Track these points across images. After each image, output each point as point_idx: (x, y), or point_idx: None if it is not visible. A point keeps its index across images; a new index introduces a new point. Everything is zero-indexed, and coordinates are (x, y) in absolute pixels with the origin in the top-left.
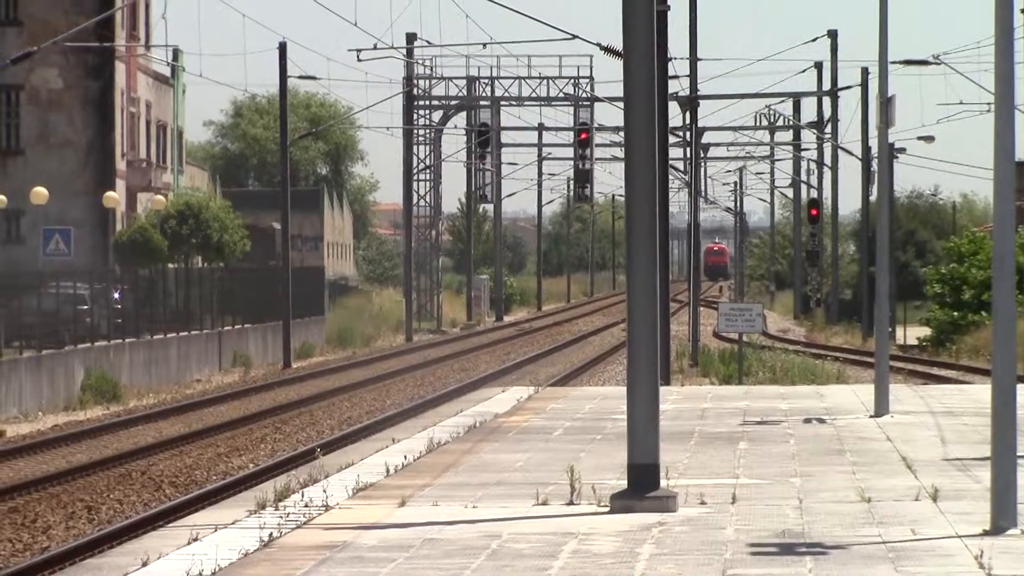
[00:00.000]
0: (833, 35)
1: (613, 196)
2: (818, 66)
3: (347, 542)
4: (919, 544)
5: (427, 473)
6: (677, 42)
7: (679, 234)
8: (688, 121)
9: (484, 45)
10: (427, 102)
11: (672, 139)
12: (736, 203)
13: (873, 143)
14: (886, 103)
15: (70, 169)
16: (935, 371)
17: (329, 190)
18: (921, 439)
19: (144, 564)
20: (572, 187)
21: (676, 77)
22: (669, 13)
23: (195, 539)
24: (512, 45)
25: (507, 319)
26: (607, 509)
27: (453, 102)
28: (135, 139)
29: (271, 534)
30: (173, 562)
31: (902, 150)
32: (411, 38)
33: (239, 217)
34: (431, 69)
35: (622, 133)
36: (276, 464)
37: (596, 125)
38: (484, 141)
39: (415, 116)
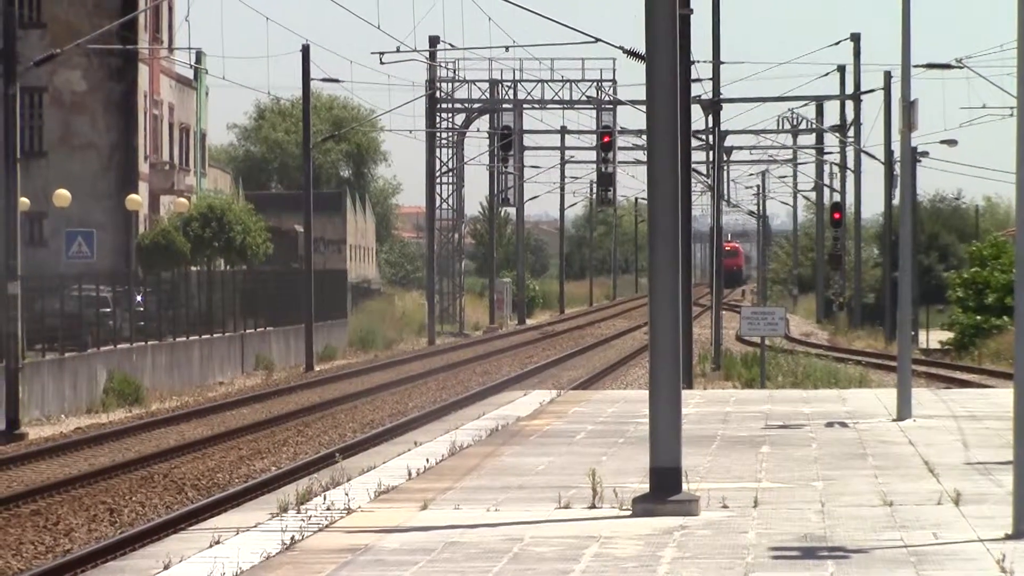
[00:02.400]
0: (856, 39)
1: (636, 199)
2: (841, 70)
3: (369, 545)
4: (941, 548)
5: (449, 476)
6: (700, 46)
7: (702, 237)
8: (711, 124)
9: (507, 48)
10: (450, 105)
11: (695, 142)
12: (759, 206)
13: (896, 147)
14: (909, 107)
15: (93, 171)
16: (957, 375)
17: (352, 193)
18: (943, 443)
19: (166, 567)
20: (595, 190)
21: (699, 80)
22: (692, 17)
23: (217, 542)
24: (535, 48)
25: (529, 322)
26: (629, 513)
27: (476, 105)
28: (158, 141)
29: (293, 537)
30: (195, 565)
31: (925, 154)
32: (434, 41)
33: (262, 220)
34: (454, 72)
35: (645, 136)
36: (298, 467)
37: (619, 128)
38: (506, 144)
39: (438, 119)
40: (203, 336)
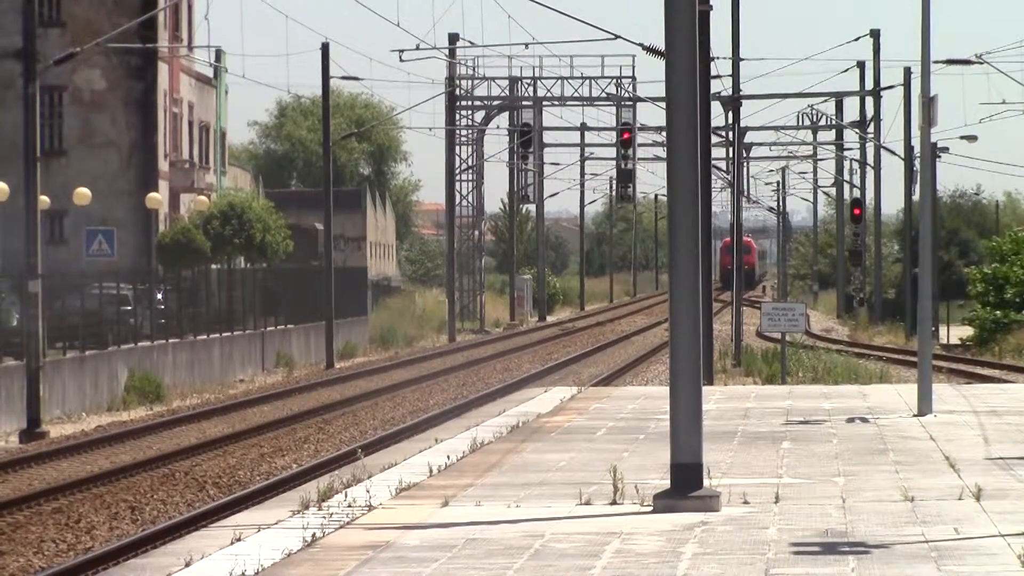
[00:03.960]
0: (876, 35)
1: (656, 196)
2: (861, 66)
3: (390, 542)
4: (962, 543)
5: (470, 473)
6: (719, 42)
7: (722, 234)
8: (730, 121)
9: (526, 45)
10: (469, 102)
11: (714, 139)
12: (779, 203)
13: (916, 143)
14: (928, 102)
15: (113, 170)
16: (978, 370)
17: (372, 190)
18: (964, 438)
19: (187, 564)
20: (615, 187)
21: (718, 77)
22: (711, 13)
23: (238, 539)
24: (554, 45)
25: (550, 319)
26: (650, 509)
27: (495, 102)
28: (178, 140)
29: (314, 534)
30: (216, 562)
31: (945, 149)
32: (453, 38)
33: (282, 217)
34: (473, 69)
35: (664, 133)
36: (319, 464)
37: (638, 125)
38: (526, 141)
39: (457, 116)
40: (224, 334)
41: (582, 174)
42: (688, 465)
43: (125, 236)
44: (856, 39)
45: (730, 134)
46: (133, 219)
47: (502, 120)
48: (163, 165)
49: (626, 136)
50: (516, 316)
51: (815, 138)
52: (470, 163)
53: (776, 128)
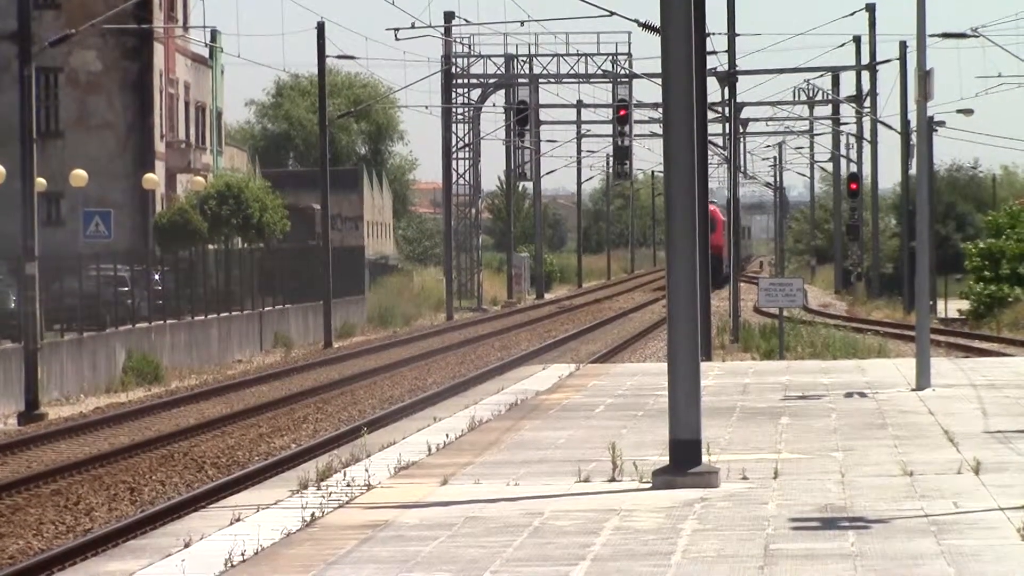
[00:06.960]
0: (871, 9)
1: (653, 172)
2: (856, 40)
3: (389, 521)
4: (961, 517)
5: (468, 451)
6: (715, 17)
7: None
8: (727, 96)
9: (522, 23)
10: (465, 80)
11: (711, 115)
12: (776, 178)
13: (912, 117)
14: (924, 76)
15: (109, 151)
16: (976, 344)
17: (369, 170)
18: (963, 412)
19: (186, 545)
20: (611, 164)
21: (714, 52)
22: None
23: (237, 519)
24: (550, 22)
25: (548, 297)
26: (649, 485)
27: (491, 80)
28: (174, 120)
29: (313, 514)
30: (215, 543)
31: (941, 123)
32: (449, 16)
33: (279, 197)
34: (469, 47)
35: (661, 109)
36: (318, 444)
37: (635, 102)
38: (523, 119)
39: (453, 95)
40: (221, 314)
41: (579, 151)
42: (687, 441)
43: (122, 217)
44: (852, 13)
45: (726, 110)
46: (130, 200)
47: (498, 98)
48: (159, 146)
49: (622, 113)
50: (514, 294)
51: (811, 113)
52: (467, 141)
53: (772, 103)
